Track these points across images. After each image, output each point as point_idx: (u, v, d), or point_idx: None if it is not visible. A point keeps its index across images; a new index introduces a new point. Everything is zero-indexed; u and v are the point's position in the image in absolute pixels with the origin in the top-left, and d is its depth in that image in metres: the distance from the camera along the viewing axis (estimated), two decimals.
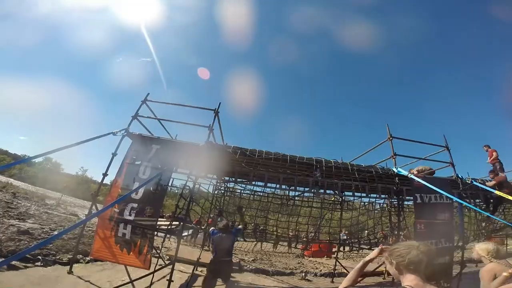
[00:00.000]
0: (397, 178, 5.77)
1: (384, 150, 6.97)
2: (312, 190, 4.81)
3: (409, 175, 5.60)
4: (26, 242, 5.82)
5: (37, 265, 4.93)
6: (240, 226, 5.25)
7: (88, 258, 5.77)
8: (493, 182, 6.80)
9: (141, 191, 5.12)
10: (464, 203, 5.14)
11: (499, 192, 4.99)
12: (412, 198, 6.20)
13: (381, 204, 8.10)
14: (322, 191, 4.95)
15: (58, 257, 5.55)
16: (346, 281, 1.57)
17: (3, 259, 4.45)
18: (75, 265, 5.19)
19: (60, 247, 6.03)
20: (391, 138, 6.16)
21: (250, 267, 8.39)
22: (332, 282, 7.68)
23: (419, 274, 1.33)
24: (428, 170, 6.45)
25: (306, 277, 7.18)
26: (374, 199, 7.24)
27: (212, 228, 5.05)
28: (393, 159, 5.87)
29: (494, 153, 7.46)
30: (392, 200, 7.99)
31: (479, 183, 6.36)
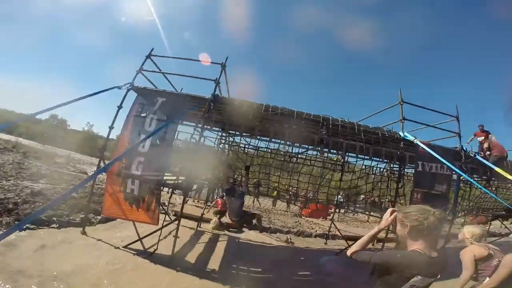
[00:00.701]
0: (402, 143, 5.71)
1: (392, 115, 6.84)
2: (317, 148, 4.83)
3: (415, 140, 5.53)
4: (40, 203, 5.86)
5: (52, 227, 5.02)
6: (242, 189, 5.61)
7: (99, 217, 5.88)
8: (494, 154, 6.76)
9: (147, 144, 5.03)
10: (467, 177, 5.14)
11: (501, 171, 4.88)
12: (413, 165, 6.24)
13: (381, 169, 8.21)
14: (326, 150, 4.98)
15: (71, 217, 5.60)
16: (356, 245, 1.54)
17: (17, 222, 4.56)
18: (87, 225, 5.32)
19: (72, 207, 6.06)
20: (402, 103, 5.97)
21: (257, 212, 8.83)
22: (326, 244, 8.15)
23: (428, 240, 1.34)
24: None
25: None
26: (376, 163, 7.30)
27: (227, 188, 5.47)
28: (401, 123, 5.76)
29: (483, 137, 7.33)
30: (393, 166, 8.09)
31: (481, 157, 6.32)
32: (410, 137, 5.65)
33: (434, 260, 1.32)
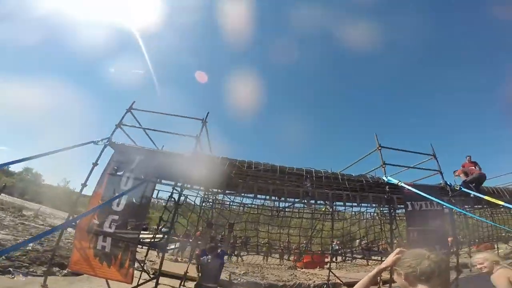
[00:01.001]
0: (387, 186, 5.74)
1: (373, 160, 7.01)
2: (303, 201, 4.67)
3: (399, 183, 5.58)
4: None
5: (8, 277, 4.65)
6: (223, 250, 5.08)
7: (65, 271, 5.47)
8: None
9: (123, 203, 4.89)
10: (455, 208, 5.18)
11: (489, 198, 5.02)
12: (403, 206, 6.21)
13: (372, 213, 8.07)
14: (313, 201, 4.82)
15: (31, 269, 5.25)
16: None
17: None
18: (51, 278, 4.85)
19: (34, 259, 5.73)
20: (380, 148, 6.18)
21: (242, 280, 8.07)
22: None
23: (430, 285, 1.24)
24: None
25: None
26: (365, 208, 7.18)
27: (204, 249, 4.95)
28: (383, 168, 5.88)
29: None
30: (383, 209, 7.99)
31: (468, 189, 6.46)
32: (394, 181, 5.72)
33: None
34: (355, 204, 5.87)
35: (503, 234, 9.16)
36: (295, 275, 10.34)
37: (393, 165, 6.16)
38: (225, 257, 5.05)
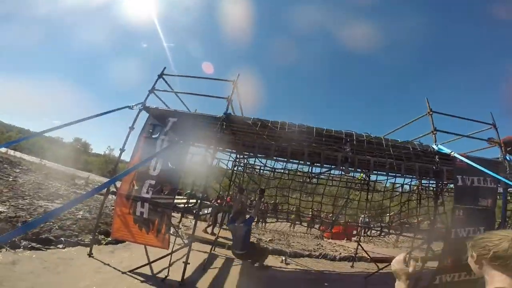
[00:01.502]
0: (437, 156, 5.10)
1: (421, 127, 6.26)
2: (341, 167, 4.34)
3: (452, 153, 4.93)
4: (51, 223, 5.67)
5: (59, 247, 4.84)
6: (252, 214, 5.03)
7: (109, 239, 5.71)
8: None
9: (158, 167, 4.93)
10: None
11: None
12: (451, 180, 5.60)
13: (411, 185, 7.46)
14: (352, 168, 4.47)
15: (80, 238, 5.43)
16: None
17: (27, 242, 4.41)
18: (96, 246, 5.12)
19: (83, 227, 5.93)
20: (431, 112, 5.40)
21: (267, 247, 8.29)
22: (352, 266, 7.38)
23: (507, 273, 1.02)
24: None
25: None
26: (405, 180, 6.59)
27: (232, 215, 4.94)
28: (433, 135, 5.16)
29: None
30: (425, 182, 7.32)
31: None
32: (446, 150, 5.04)
33: None
34: (399, 174, 5.36)
35: None
36: (321, 245, 10.41)
37: (446, 132, 5.38)
38: (253, 223, 5.01)
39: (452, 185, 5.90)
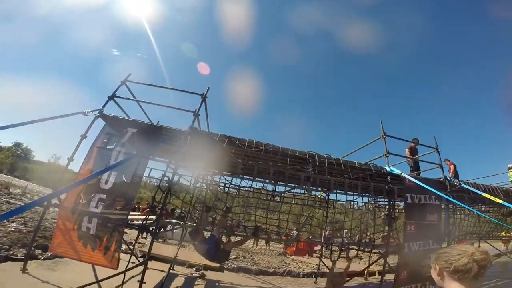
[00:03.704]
0: (389, 177, 5.58)
1: (375, 149, 6.87)
2: (304, 186, 4.45)
3: (402, 174, 5.46)
4: None
5: None
6: (213, 233, 4.96)
7: (48, 254, 5.09)
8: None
9: (111, 180, 4.55)
10: (457, 203, 5.06)
11: (488, 195, 4.96)
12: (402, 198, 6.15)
13: (365, 203, 8.02)
14: (313, 187, 4.62)
15: (11, 252, 4.82)
16: None
17: None
18: (31, 262, 4.51)
19: (15, 241, 5.28)
20: (384, 136, 5.99)
21: (232, 265, 8.02)
22: (316, 283, 7.49)
23: (465, 285, 1.14)
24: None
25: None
26: (360, 198, 7.11)
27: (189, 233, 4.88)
28: (386, 158, 5.70)
29: (452, 166, 8.04)
30: (378, 200, 7.92)
31: (467, 185, 6.44)
32: (397, 171, 5.59)
33: None
34: (356, 193, 5.72)
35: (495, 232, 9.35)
36: (285, 262, 10.43)
37: (397, 155, 6.02)
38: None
39: (402, 203, 6.47)
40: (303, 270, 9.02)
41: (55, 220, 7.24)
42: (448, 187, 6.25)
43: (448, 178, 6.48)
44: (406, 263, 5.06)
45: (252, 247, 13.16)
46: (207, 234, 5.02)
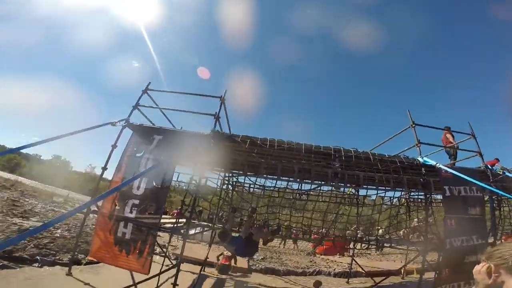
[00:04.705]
0: (423, 168, 5.19)
1: (404, 140, 6.43)
2: (332, 183, 4.30)
3: (437, 164, 5.03)
4: (25, 241, 5.41)
5: (34, 266, 4.62)
6: (240, 235, 5.02)
7: (89, 259, 5.46)
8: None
9: (143, 186, 4.74)
10: (503, 193, 4.56)
11: None
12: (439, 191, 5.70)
13: (397, 198, 7.55)
14: (342, 184, 4.44)
15: (58, 257, 5.22)
16: None
17: None
18: (75, 266, 4.85)
19: (61, 246, 5.71)
20: (413, 125, 5.57)
21: (260, 266, 8.00)
22: (348, 283, 7.21)
23: None
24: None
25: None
26: (392, 193, 6.70)
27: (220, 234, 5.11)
28: (418, 148, 5.28)
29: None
30: (413, 194, 7.42)
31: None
32: (431, 162, 5.16)
33: None
34: (389, 187, 5.38)
35: None
36: (314, 262, 10.18)
37: (429, 144, 5.53)
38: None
39: (440, 196, 6.00)
40: (334, 269, 8.74)
41: (95, 226, 7.88)
42: (491, 177, 5.68)
43: (489, 167, 5.88)
44: (448, 260, 4.70)
45: (279, 247, 13.04)
46: (235, 234, 5.09)
